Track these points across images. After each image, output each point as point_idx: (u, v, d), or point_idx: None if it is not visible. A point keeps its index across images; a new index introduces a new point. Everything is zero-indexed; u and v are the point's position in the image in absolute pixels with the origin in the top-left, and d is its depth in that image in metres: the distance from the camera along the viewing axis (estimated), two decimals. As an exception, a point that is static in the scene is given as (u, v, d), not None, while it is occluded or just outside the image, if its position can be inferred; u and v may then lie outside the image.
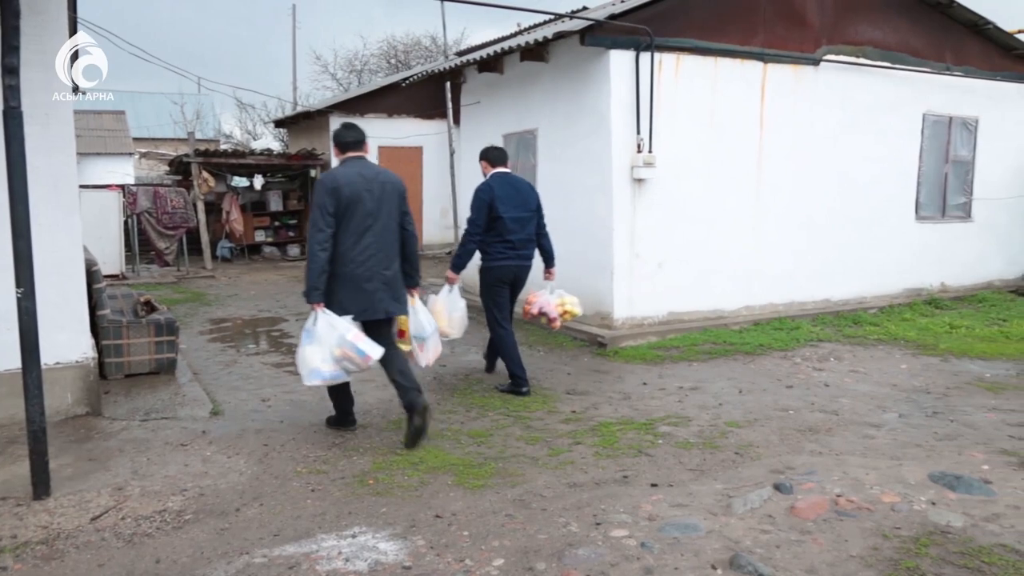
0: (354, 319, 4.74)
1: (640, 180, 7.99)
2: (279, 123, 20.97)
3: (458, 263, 6.14)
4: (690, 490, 4.20)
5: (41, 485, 3.98)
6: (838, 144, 9.29)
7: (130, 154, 34.28)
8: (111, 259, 12.39)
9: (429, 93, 16.96)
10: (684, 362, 7.32)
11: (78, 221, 5.18)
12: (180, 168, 16.69)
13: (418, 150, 17.28)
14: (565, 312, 6.64)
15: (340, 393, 5.20)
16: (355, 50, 26.99)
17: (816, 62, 8.98)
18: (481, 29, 35.58)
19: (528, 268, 6.32)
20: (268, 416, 5.59)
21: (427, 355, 5.34)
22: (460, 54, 17.38)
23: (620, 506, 3.96)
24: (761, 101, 8.71)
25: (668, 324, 8.30)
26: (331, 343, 4.63)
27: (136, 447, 4.77)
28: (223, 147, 22.43)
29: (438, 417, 5.56)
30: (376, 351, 4.69)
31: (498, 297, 6.25)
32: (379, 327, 4.93)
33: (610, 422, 5.50)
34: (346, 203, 4.70)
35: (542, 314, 6.62)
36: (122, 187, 13.32)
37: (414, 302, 5.22)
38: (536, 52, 8.69)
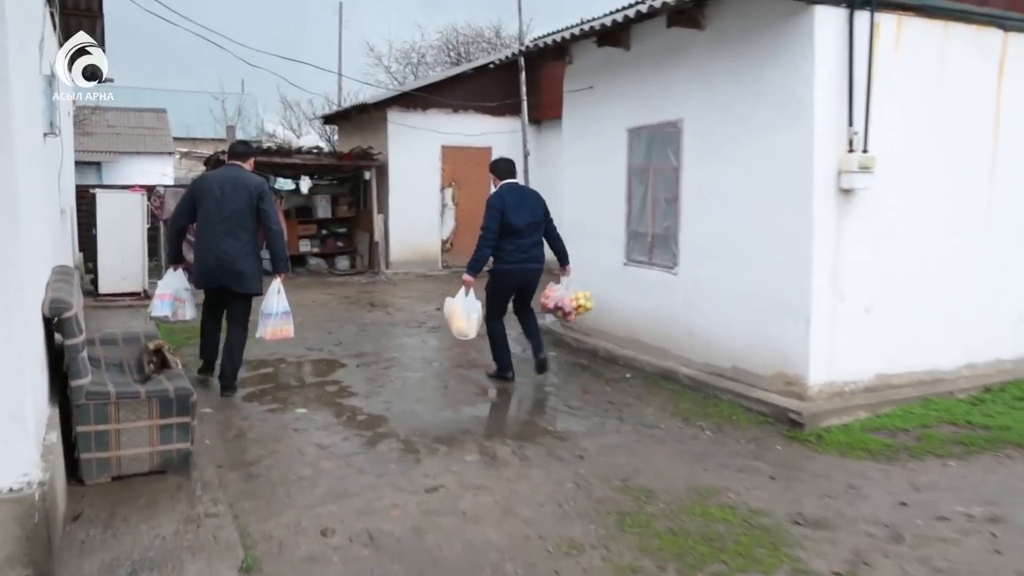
0: (200, 286, 6.17)
1: (847, 191, 5.65)
2: (328, 119, 18.92)
3: (474, 267, 6.46)
4: None
5: None
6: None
7: (170, 153, 32.74)
8: (132, 273, 10.35)
9: (500, 86, 14.82)
10: (932, 458, 4.97)
11: (25, 247, 3.02)
12: (217, 167, 14.68)
13: (486, 151, 15.08)
14: (579, 306, 6.84)
15: (206, 343, 6.39)
16: (411, 42, 25.02)
17: (1067, 33, 6.57)
18: (544, 22, 33.28)
19: (538, 272, 6.66)
20: (335, 572, 3.37)
21: (266, 329, 6.06)
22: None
23: None
24: (999, 83, 6.32)
25: (876, 391, 5.94)
26: (162, 288, 6.27)
27: None
28: (266, 146, 20.42)
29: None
30: (158, 311, 6.28)
31: (502, 301, 6.62)
32: (232, 302, 6.13)
33: (919, 607, 3.19)
34: (198, 197, 6.01)
35: (557, 308, 6.88)
36: (148, 189, 11.29)
37: (279, 283, 6.12)
38: (689, 15, 6.41)
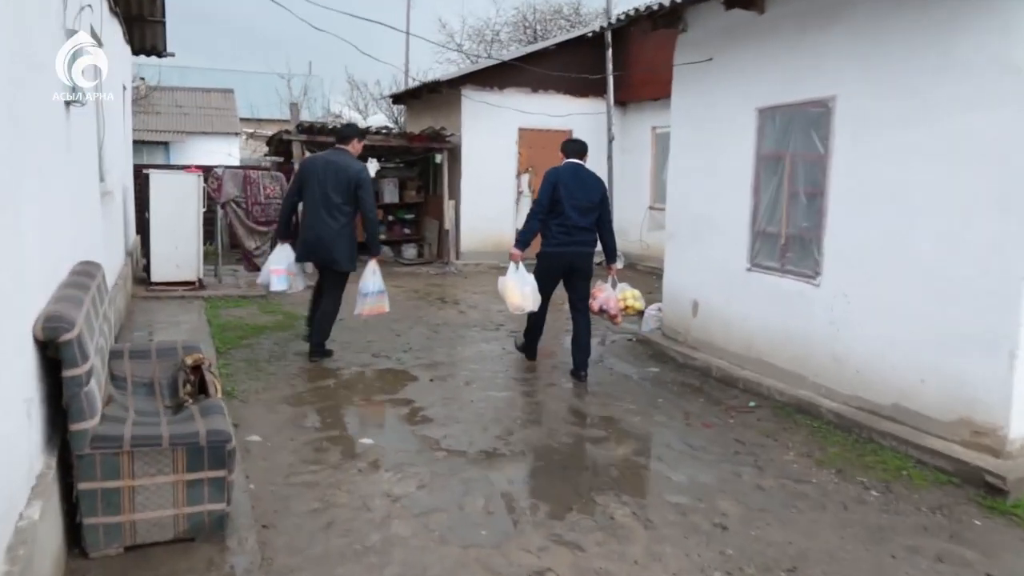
0: (300, 260, 6.66)
1: (1072, 189, 4.37)
2: (396, 98, 17.99)
3: (520, 240, 6.33)
4: None
5: None
6: None
7: (236, 134, 32.48)
8: (187, 261, 9.55)
9: (583, 64, 13.60)
10: None
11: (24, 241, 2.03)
12: (280, 148, 13.88)
13: (566, 134, 13.92)
14: (627, 307, 6.59)
15: (313, 313, 6.76)
16: (485, 19, 23.91)
17: None
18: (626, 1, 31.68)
19: (586, 256, 6.36)
20: None
21: (362, 307, 6.55)
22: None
23: None
24: None
25: (1089, 446, 4.65)
26: (275, 263, 6.63)
27: None
28: (331, 125, 19.64)
29: None
30: (277, 286, 6.60)
31: (544, 285, 6.33)
32: (329, 276, 6.62)
33: None
34: (302, 180, 6.52)
35: (602, 310, 6.51)
36: (205, 170, 10.47)
37: (374, 264, 6.59)
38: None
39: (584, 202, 6.18)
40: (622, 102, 14.22)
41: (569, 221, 6.13)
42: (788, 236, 6.06)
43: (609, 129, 13.76)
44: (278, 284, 6.57)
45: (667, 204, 7.75)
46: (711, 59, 6.88)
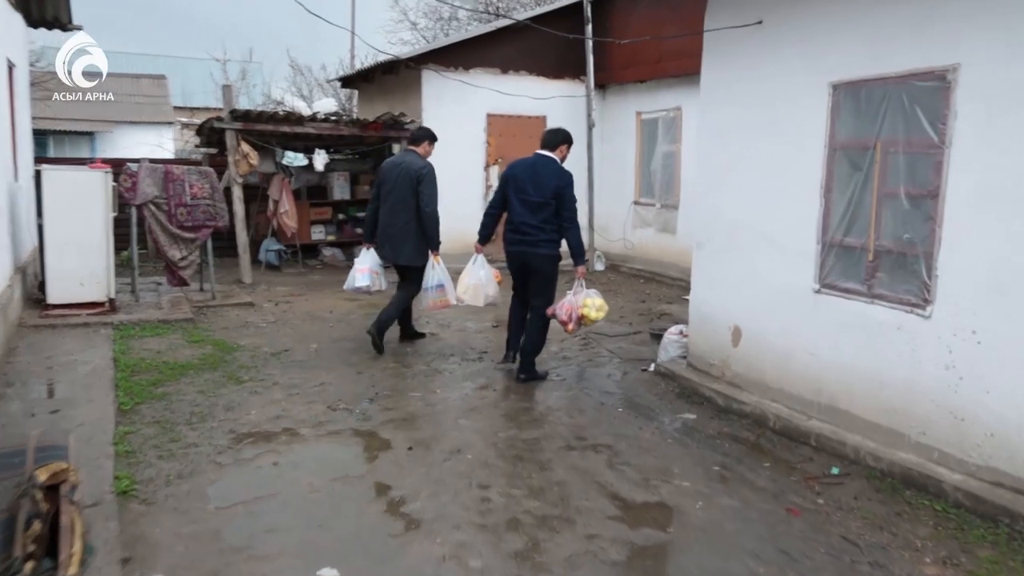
0: (382, 258, 6.96)
1: None
2: (346, 81, 16.22)
3: (480, 234, 6.38)
4: None
5: None
6: None
7: (170, 123, 30.28)
8: (93, 277, 7.75)
9: (557, 41, 12.06)
10: None
11: None
12: (212, 138, 12.05)
13: (539, 120, 12.39)
14: (583, 316, 5.92)
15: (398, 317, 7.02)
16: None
17: None
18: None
19: (536, 256, 5.97)
20: None
21: (428, 302, 6.64)
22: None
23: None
24: None
25: None
26: (360, 263, 6.99)
27: None
28: (271, 111, 17.65)
29: None
30: (360, 282, 6.93)
31: (513, 281, 6.31)
32: (401, 270, 6.96)
33: None
34: (380, 180, 6.88)
35: (553, 315, 6.02)
36: (115, 165, 8.65)
37: (432, 259, 6.70)
38: None
39: (533, 197, 5.88)
40: (601, 85, 12.75)
41: (517, 218, 5.95)
42: (879, 250, 4.63)
43: (589, 115, 12.29)
44: (361, 280, 6.89)
45: (697, 205, 6.29)
46: (760, 22, 5.41)
